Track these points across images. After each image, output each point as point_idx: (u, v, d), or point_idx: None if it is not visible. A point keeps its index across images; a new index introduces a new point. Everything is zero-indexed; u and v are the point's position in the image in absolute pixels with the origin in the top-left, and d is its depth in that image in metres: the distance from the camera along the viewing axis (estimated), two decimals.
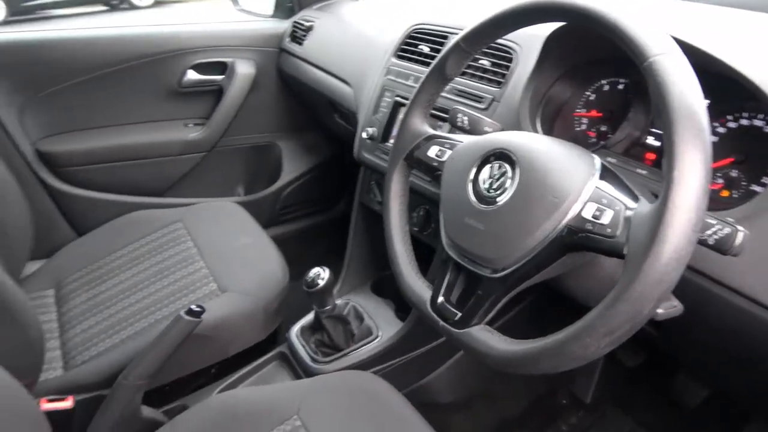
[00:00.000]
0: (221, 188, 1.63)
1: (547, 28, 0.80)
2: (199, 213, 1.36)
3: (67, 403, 0.96)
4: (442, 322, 0.63)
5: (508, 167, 0.60)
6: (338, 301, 1.13)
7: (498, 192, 0.60)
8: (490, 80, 0.94)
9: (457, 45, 0.68)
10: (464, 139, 0.70)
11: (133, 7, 8.90)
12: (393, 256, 0.74)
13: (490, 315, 0.60)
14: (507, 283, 0.58)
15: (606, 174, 0.55)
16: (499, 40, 0.91)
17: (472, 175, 0.63)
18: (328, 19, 1.42)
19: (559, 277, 0.61)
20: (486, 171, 0.62)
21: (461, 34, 0.68)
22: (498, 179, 0.61)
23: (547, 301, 1.14)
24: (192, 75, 1.49)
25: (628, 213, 0.50)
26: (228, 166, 1.64)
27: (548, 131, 0.85)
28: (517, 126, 0.83)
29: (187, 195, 1.56)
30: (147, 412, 0.96)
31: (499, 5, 0.63)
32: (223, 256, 1.21)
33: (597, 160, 0.57)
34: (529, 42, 0.88)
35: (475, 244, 0.61)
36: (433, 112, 0.83)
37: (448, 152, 0.70)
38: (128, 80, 1.43)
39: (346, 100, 1.25)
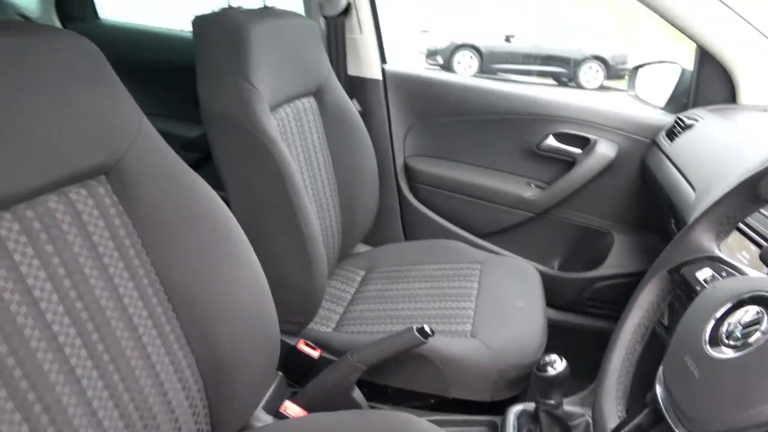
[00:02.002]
0: (536, 251, 1.64)
1: None
2: (501, 263, 1.42)
3: (315, 354, 1.15)
4: None
5: (766, 319, 0.45)
6: (571, 407, 1.01)
7: (736, 342, 0.46)
8: None
9: None
10: (751, 273, 0.55)
11: (580, 87, 9.51)
12: (604, 367, 0.64)
13: None
14: None
15: None
16: None
17: (720, 312, 0.50)
18: (713, 121, 1.26)
19: None
20: (739, 313, 0.48)
21: None
22: (746, 327, 0.46)
23: None
24: (551, 141, 1.55)
25: None
26: (552, 234, 1.64)
27: None
28: None
29: (501, 244, 1.63)
30: (356, 394, 1.07)
31: None
32: (493, 307, 1.24)
33: None
34: None
35: (681, 390, 0.48)
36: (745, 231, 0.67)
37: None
38: (496, 129, 1.60)
39: (683, 203, 1.09)
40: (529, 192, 1.60)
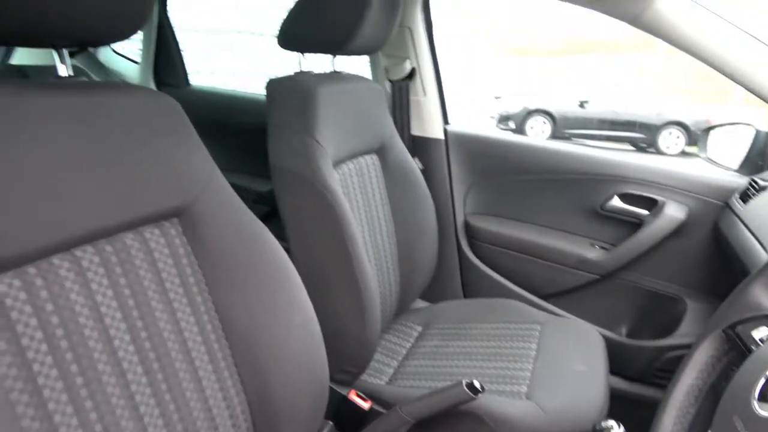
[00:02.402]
0: (600, 315, 1.58)
1: None
2: (562, 325, 1.39)
3: (365, 405, 1.15)
4: None
5: None
6: None
7: None
8: None
9: None
10: None
11: (660, 153, 9.21)
12: (655, 429, 0.61)
13: None
14: None
15: None
16: None
17: None
18: None
19: None
20: None
21: None
22: None
23: None
24: (617, 201, 1.52)
25: None
26: (617, 298, 1.58)
27: None
28: None
29: (562, 306, 1.58)
30: None
31: None
32: (551, 369, 1.20)
33: None
34: None
35: None
36: None
37: None
38: (558, 189, 1.59)
39: (757, 267, 1.03)
40: (593, 253, 1.56)
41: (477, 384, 0.98)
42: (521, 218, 1.66)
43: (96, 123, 0.64)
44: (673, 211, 1.46)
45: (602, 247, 1.57)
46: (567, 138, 9.42)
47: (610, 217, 1.55)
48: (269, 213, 1.76)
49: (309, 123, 1.13)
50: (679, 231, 1.46)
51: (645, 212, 1.50)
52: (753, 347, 0.54)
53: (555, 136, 9.37)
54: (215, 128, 1.51)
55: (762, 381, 0.46)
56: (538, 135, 9.42)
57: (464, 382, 0.98)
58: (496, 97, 10.20)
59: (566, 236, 1.61)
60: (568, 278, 1.59)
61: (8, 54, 2.14)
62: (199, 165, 0.77)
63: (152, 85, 2.08)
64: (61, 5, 0.57)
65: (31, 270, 0.56)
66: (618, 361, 1.36)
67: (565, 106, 9.51)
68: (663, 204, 1.47)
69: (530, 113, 9.52)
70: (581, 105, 9.41)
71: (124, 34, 0.69)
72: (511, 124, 9.60)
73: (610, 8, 1.26)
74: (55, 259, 0.59)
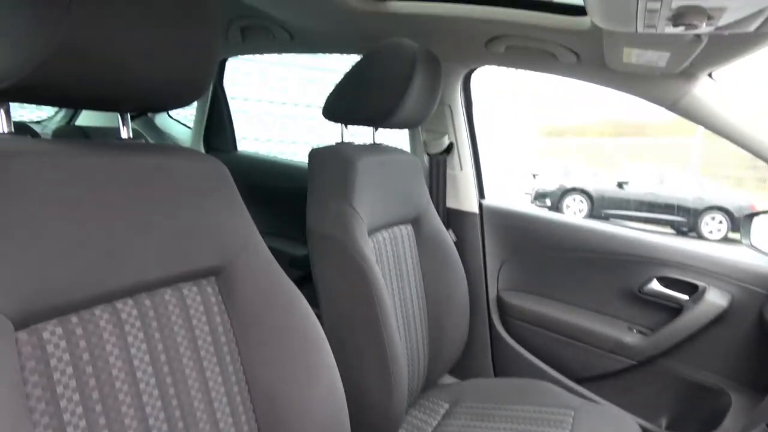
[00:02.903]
0: (637, 404, 1.50)
1: None
2: (597, 412, 1.32)
3: None
4: None
5: None
6: None
7: None
8: None
9: None
10: None
11: (702, 238, 8.96)
12: None
13: None
14: None
15: None
16: None
17: None
18: None
19: None
20: None
21: None
22: None
23: None
24: (655, 285, 1.47)
25: None
26: (656, 386, 1.50)
27: None
28: None
29: (597, 391, 1.52)
30: None
31: None
32: None
33: None
34: None
35: None
36: None
37: None
38: (595, 268, 1.56)
39: None
40: (630, 337, 1.50)
41: None
42: (556, 297, 1.63)
43: (149, 184, 0.69)
44: (715, 298, 1.41)
45: (640, 332, 1.51)
46: (605, 219, 9.32)
47: (648, 300, 1.50)
48: (303, 277, 1.78)
49: (347, 191, 1.16)
50: (721, 318, 1.40)
51: (685, 297, 1.45)
52: None
53: (592, 215, 9.28)
54: (258, 192, 1.57)
55: None
56: (575, 214, 9.35)
57: None
58: (534, 175, 10.26)
59: (602, 318, 1.56)
60: (604, 362, 1.53)
61: (74, 116, 2.31)
62: (240, 228, 0.80)
63: (202, 149, 2.19)
64: (133, 75, 0.63)
65: (74, 319, 0.59)
66: None
67: (603, 185, 9.47)
68: (704, 289, 1.42)
69: (567, 192, 9.50)
70: (620, 185, 9.35)
71: (185, 102, 0.74)
72: (548, 202, 9.58)
73: (648, 93, 1.29)
74: (97, 310, 0.61)
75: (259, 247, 0.82)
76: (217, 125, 2.21)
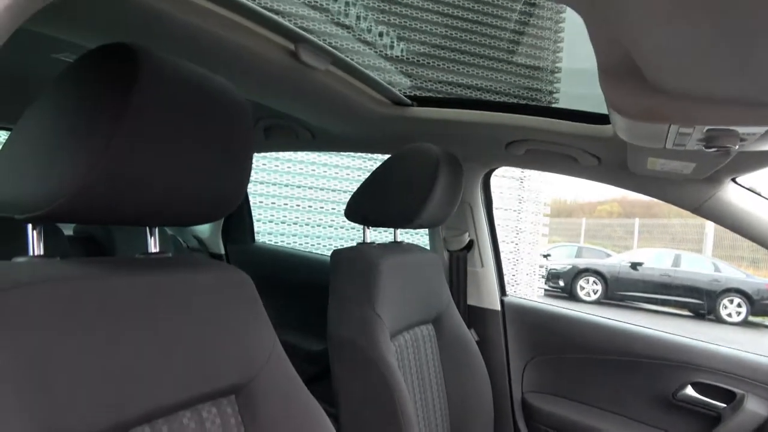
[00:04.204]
0: None
1: None
2: None
3: None
4: None
5: None
6: None
7: None
8: None
9: None
10: None
11: (720, 321, 8.72)
12: None
13: None
14: None
15: None
16: None
17: None
18: None
19: None
20: None
21: None
22: None
23: None
24: (690, 391, 1.40)
25: None
26: None
27: None
28: None
29: None
30: None
31: None
32: None
33: None
34: None
35: None
36: None
37: None
38: (626, 372, 1.49)
39: None
40: None
41: None
42: (584, 400, 1.55)
43: (172, 302, 0.67)
44: (755, 407, 1.33)
45: None
46: (621, 300, 9.14)
47: (682, 407, 1.42)
48: (318, 374, 1.73)
49: (370, 296, 1.14)
50: (762, 429, 1.32)
51: (722, 405, 1.37)
52: None
53: (607, 296, 9.12)
54: (274, 284, 1.54)
55: None
56: (588, 296, 9.19)
57: None
58: (545, 255, 10.19)
59: (635, 425, 1.48)
60: None
61: None
62: (263, 340, 0.77)
63: (221, 242, 2.20)
64: (169, 196, 0.63)
65: None
66: None
67: (616, 267, 9.37)
68: (743, 397, 1.35)
69: (580, 272, 9.39)
70: (634, 267, 9.25)
71: (215, 218, 0.74)
72: (561, 283, 9.45)
73: (671, 197, 1.28)
74: None
75: (280, 357, 0.79)
76: (237, 217, 2.22)
